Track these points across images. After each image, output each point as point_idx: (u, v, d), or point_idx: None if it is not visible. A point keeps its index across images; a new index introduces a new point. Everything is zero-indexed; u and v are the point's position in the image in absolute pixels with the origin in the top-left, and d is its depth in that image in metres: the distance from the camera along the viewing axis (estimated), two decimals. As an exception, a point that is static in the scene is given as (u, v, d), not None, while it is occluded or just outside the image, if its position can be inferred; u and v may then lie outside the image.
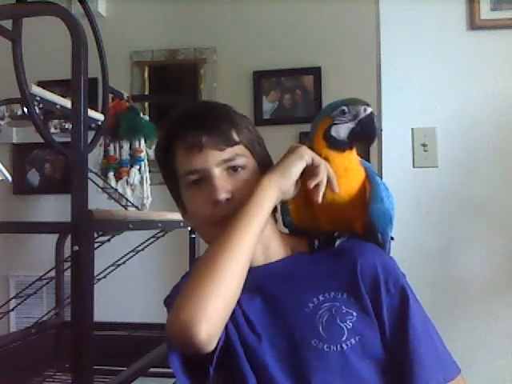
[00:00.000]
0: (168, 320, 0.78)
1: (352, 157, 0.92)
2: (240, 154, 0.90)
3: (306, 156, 0.87)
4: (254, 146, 0.94)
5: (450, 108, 2.05)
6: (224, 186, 0.87)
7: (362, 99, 0.92)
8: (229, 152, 0.89)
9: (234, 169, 0.89)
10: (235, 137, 0.90)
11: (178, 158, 0.91)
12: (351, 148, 0.92)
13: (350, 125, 0.90)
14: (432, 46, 2.06)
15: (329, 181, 0.88)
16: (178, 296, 0.79)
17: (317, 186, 0.87)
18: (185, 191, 0.92)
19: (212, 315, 0.75)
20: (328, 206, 0.91)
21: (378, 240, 0.95)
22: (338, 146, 0.90)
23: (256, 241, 0.83)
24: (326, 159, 0.89)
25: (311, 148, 0.91)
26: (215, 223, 0.88)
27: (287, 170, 0.86)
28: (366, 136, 0.91)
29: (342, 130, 0.90)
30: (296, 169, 0.86)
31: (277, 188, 0.85)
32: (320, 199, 0.87)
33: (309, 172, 0.88)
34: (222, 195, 0.87)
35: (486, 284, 1.99)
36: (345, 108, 0.90)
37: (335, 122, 0.90)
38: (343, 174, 0.90)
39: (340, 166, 0.90)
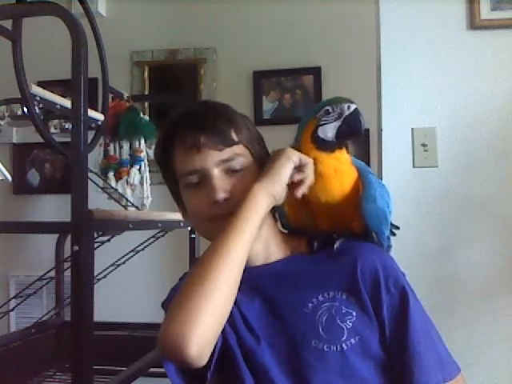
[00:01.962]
0: (159, 334, 0.76)
1: (342, 157, 0.91)
2: (239, 154, 0.90)
3: (293, 157, 0.87)
4: (253, 146, 0.93)
5: (449, 108, 2.05)
6: (222, 186, 0.87)
7: (345, 97, 0.91)
8: (227, 152, 0.89)
9: (233, 169, 0.89)
10: (234, 137, 0.90)
11: (177, 158, 0.91)
12: (340, 148, 0.91)
13: (336, 123, 0.89)
14: (432, 45, 2.06)
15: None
16: (169, 309, 0.78)
17: (301, 181, 0.87)
18: (184, 191, 0.92)
19: (202, 331, 0.74)
20: (323, 207, 0.91)
21: (374, 239, 0.94)
22: (327, 146, 0.90)
23: (247, 252, 0.82)
24: (316, 161, 0.89)
25: (299, 151, 0.91)
26: (212, 219, 0.88)
27: (276, 174, 0.85)
28: (352, 133, 0.91)
29: (328, 130, 0.90)
30: (285, 172, 0.86)
31: (268, 195, 0.84)
32: (300, 194, 0.87)
33: (297, 171, 0.88)
34: (221, 195, 0.87)
35: (485, 284, 1.99)
36: (329, 108, 0.90)
37: (321, 123, 0.90)
38: (334, 175, 0.90)
39: (330, 167, 0.90)
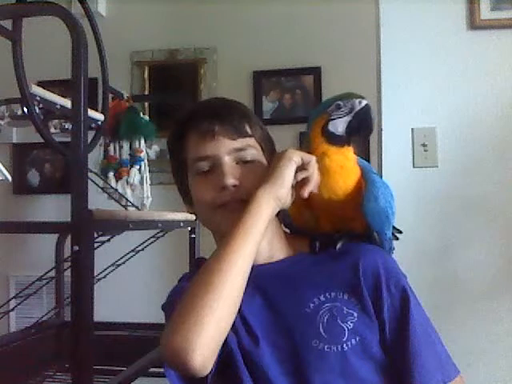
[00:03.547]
0: (161, 344, 0.76)
1: (349, 154, 0.92)
2: (251, 146, 0.91)
3: (294, 158, 0.86)
4: (266, 144, 0.95)
5: (449, 108, 2.05)
6: (232, 172, 0.88)
7: (356, 93, 0.92)
8: (240, 142, 0.90)
9: (244, 160, 0.90)
10: (248, 130, 0.92)
11: (191, 144, 0.91)
12: (349, 144, 0.91)
13: (347, 118, 0.90)
14: (432, 45, 2.06)
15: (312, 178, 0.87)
16: (173, 317, 0.77)
17: (305, 180, 0.87)
18: (193, 179, 0.92)
19: (206, 343, 0.73)
20: (325, 205, 0.91)
21: (376, 240, 0.94)
22: (337, 141, 0.90)
23: (252, 259, 0.81)
24: (324, 154, 0.89)
25: (309, 146, 0.91)
26: (219, 206, 0.88)
27: (279, 177, 0.85)
28: (363, 128, 0.91)
29: (339, 125, 0.90)
30: (288, 173, 0.85)
31: (273, 199, 0.84)
32: (306, 194, 0.86)
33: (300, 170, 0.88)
34: (230, 180, 0.87)
35: (485, 284, 1.99)
36: (340, 102, 0.90)
37: (332, 118, 0.90)
38: (339, 171, 0.90)
39: (337, 162, 0.90)
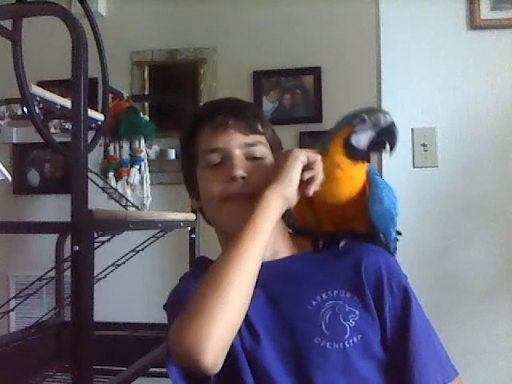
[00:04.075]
0: (171, 342, 0.76)
1: (362, 169, 0.92)
2: (262, 143, 0.93)
3: (300, 157, 0.86)
4: (275, 146, 0.96)
5: (450, 108, 2.05)
6: (242, 165, 0.89)
7: (379, 108, 0.92)
8: (252, 138, 0.92)
9: (254, 156, 0.91)
10: (260, 128, 0.93)
11: (203, 137, 0.93)
12: (365, 160, 0.91)
13: (371, 133, 0.90)
14: (432, 46, 2.06)
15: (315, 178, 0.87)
16: (181, 317, 0.77)
17: (310, 179, 0.87)
18: (202, 172, 0.93)
19: (217, 341, 0.74)
20: (328, 207, 0.91)
21: (381, 240, 0.95)
22: (356, 154, 0.90)
23: (261, 258, 0.81)
24: (338, 166, 0.89)
25: (323, 152, 0.91)
26: (226, 199, 0.89)
27: (287, 176, 0.85)
28: (386, 144, 0.90)
29: (362, 139, 0.90)
30: (295, 172, 0.85)
31: (281, 197, 0.84)
32: (311, 192, 0.86)
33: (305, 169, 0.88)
34: (239, 172, 0.88)
35: (486, 284, 1.99)
36: (365, 116, 0.90)
37: (355, 130, 0.90)
38: (348, 182, 0.90)
39: (348, 175, 0.90)
